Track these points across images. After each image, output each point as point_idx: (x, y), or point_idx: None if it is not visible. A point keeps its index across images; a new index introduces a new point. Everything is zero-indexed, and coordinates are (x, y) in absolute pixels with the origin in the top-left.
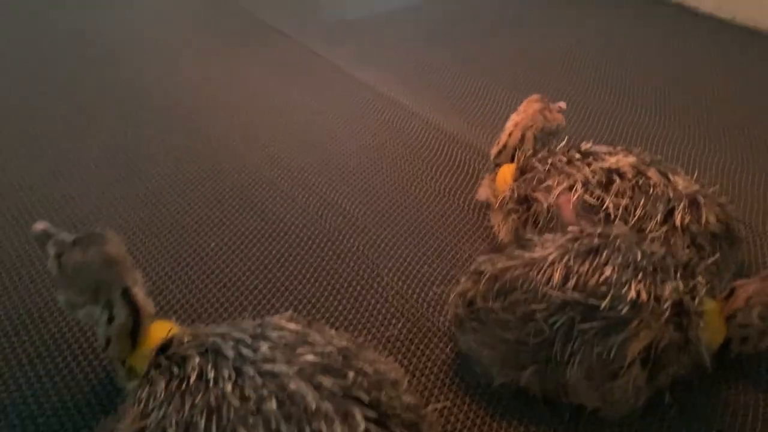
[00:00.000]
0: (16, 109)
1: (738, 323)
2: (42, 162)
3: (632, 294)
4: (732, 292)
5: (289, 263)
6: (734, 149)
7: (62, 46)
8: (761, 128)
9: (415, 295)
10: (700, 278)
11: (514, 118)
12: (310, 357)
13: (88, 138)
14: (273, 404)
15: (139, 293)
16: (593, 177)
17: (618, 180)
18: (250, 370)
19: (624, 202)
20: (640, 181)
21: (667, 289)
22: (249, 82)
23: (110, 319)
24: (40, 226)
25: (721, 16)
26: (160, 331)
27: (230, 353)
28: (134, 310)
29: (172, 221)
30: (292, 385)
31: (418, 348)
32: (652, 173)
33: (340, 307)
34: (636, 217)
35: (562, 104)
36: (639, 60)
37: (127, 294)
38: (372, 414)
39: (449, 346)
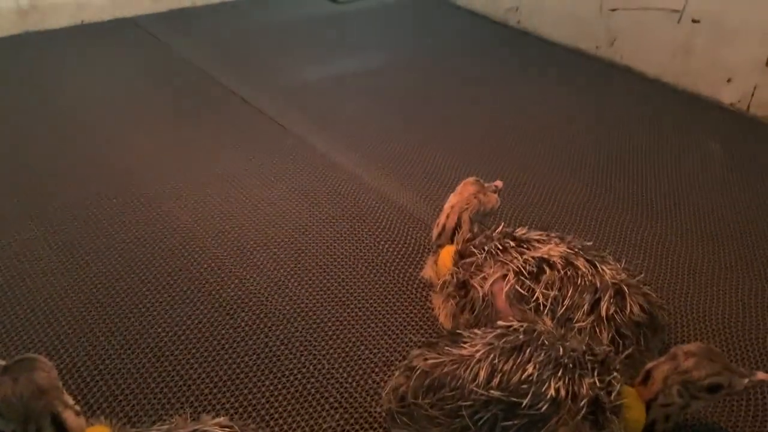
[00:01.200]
0: None
1: (660, 404)
2: None
3: (552, 392)
4: (648, 375)
5: (233, 350)
6: (666, 229)
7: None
8: (692, 209)
9: (354, 383)
10: (615, 374)
11: (451, 199)
12: None
13: (28, 218)
14: None
15: (69, 416)
16: (525, 267)
17: (548, 271)
18: None
19: (553, 293)
20: (569, 272)
21: (585, 386)
22: (197, 150)
23: None
24: None
25: (672, 81)
26: None
27: None
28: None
29: (117, 305)
30: None
31: None
32: (581, 263)
33: (280, 398)
34: (564, 307)
35: (498, 183)
36: (588, 133)
37: (56, 419)
38: None
39: None
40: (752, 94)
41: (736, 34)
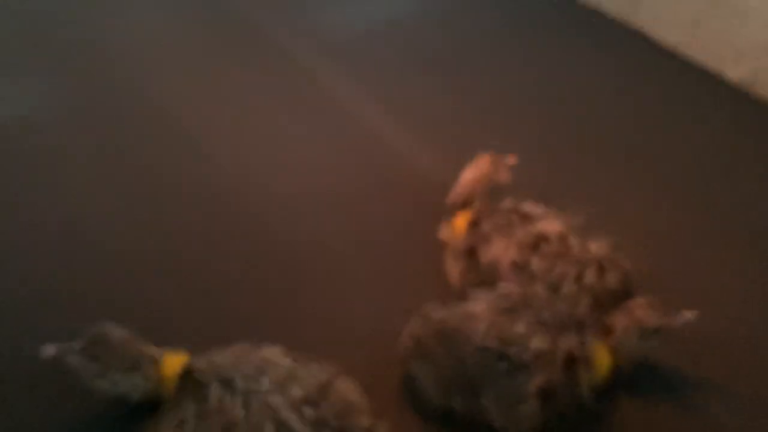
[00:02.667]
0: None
1: (625, 349)
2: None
3: (536, 346)
4: (609, 328)
5: (281, 293)
6: (650, 199)
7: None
8: (681, 181)
9: (378, 325)
10: (590, 332)
11: (467, 173)
12: (297, 391)
13: (87, 156)
14: (270, 428)
15: (152, 349)
16: (525, 240)
17: (544, 245)
18: (254, 401)
19: (546, 264)
20: (562, 247)
21: (563, 342)
22: (235, 98)
23: (146, 377)
24: (50, 351)
25: (685, 53)
26: (176, 360)
27: (240, 385)
28: (155, 363)
29: (175, 246)
30: (284, 414)
31: (378, 370)
32: (573, 239)
33: (323, 333)
34: (555, 277)
35: (512, 159)
36: (596, 101)
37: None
38: None
39: (401, 371)
40: (756, 75)
41: (751, 14)
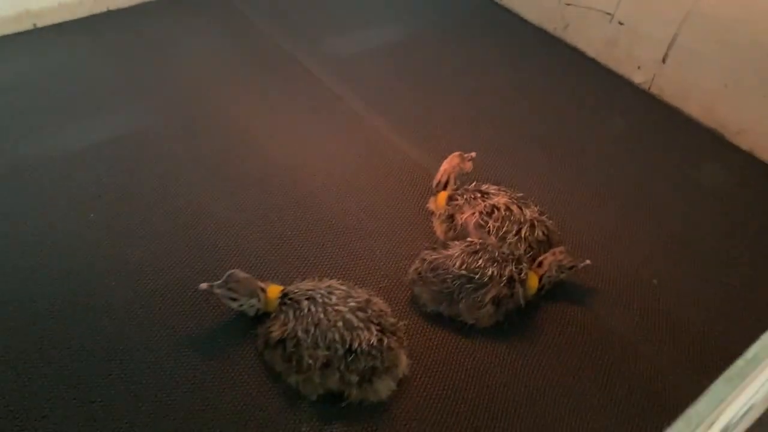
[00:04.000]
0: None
1: (547, 276)
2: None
3: (489, 272)
4: (540, 262)
5: (333, 247)
6: (571, 176)
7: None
8: (594, 163)
9: (393, 265)
10: (524, 264)
11: (444, 165)
12: (352, 303)
13: (184, 155)
14: (341, 323)
15: (261, 283)
16: (484, 209)
17: (496, 212)
18: (329, 309)
19: (497, 224)
20: (507, 213)
21: (507, 271)
22: (279, 107)
23: (259, 300)
24: (203, 286)
25: (605, 62)
26: (276, 289)
27: (319, 300)
28: (264, 291)
29: (265, 221)
30: (347, 316)
31: (395, 292)
32: (515, 207)
33: (361, 270)
34: (502, 232)
35: (473, 154)
36: (535, 103)
37: (261, 288)
38: (377, 328)
39: (409, 292)
40: (652, 80)
41: (646, 36)
